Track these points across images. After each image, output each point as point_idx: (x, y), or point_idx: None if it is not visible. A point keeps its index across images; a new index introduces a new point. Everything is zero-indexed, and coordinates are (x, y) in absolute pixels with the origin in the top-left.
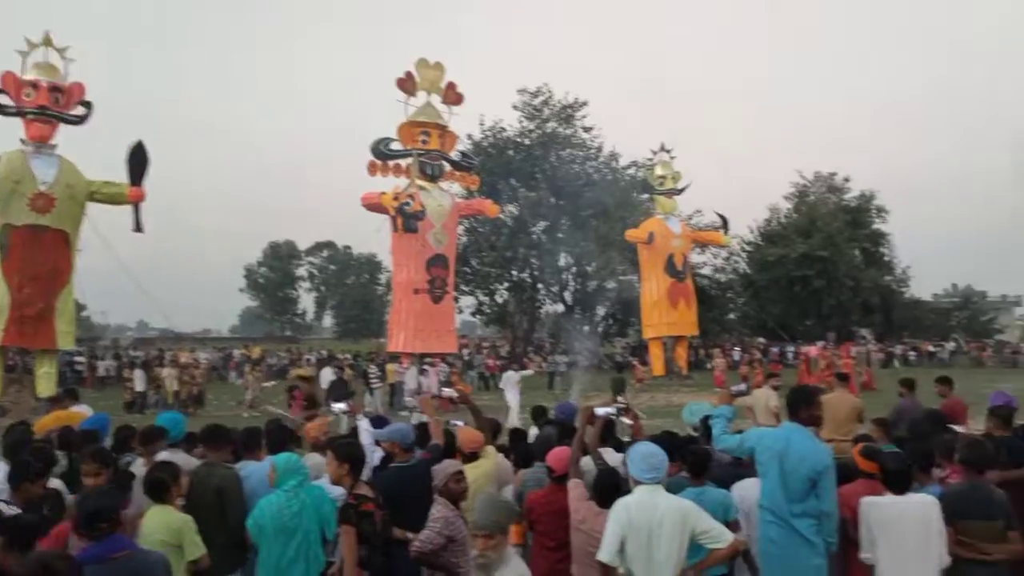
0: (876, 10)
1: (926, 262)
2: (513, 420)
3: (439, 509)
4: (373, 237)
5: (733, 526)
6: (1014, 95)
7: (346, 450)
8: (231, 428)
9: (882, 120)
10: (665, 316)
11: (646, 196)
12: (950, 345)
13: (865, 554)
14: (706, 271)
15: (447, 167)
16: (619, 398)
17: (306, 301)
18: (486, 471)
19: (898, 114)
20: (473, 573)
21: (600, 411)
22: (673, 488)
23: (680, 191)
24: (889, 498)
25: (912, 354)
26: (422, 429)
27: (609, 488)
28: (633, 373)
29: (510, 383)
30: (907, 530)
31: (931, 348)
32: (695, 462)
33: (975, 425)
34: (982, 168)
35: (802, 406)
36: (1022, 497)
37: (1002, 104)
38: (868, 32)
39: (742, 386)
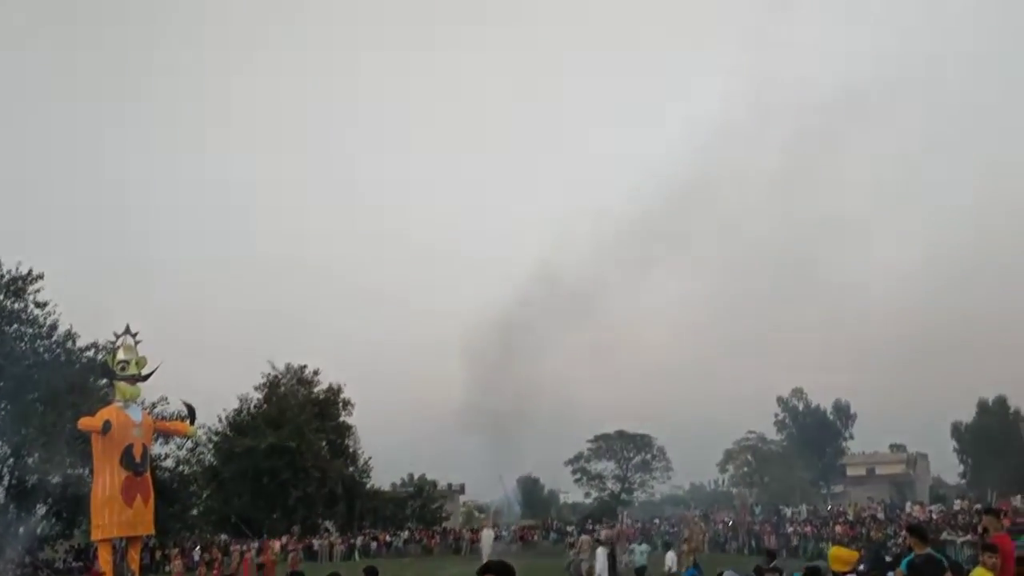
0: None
1: (386, 453)
2: None
3: None
4: None
5: None
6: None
7: None
8: None
9: (360, 312)
10: (118, 515)
11: (105, 381)
12: (404, 534)
13: None
14: (169, 463)
15: None
16: None
17: None
18: None
19: (372, 310)
20: None
21: None
22: None
23: (145, 377)
24: None
25: (373, 544)
26: None
27: None
28: None
29: None
30: None
31: (388, 538)
32: None
33: None
34: (435, 368)
35: None
36: None
37: (448, 314)
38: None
39: None
